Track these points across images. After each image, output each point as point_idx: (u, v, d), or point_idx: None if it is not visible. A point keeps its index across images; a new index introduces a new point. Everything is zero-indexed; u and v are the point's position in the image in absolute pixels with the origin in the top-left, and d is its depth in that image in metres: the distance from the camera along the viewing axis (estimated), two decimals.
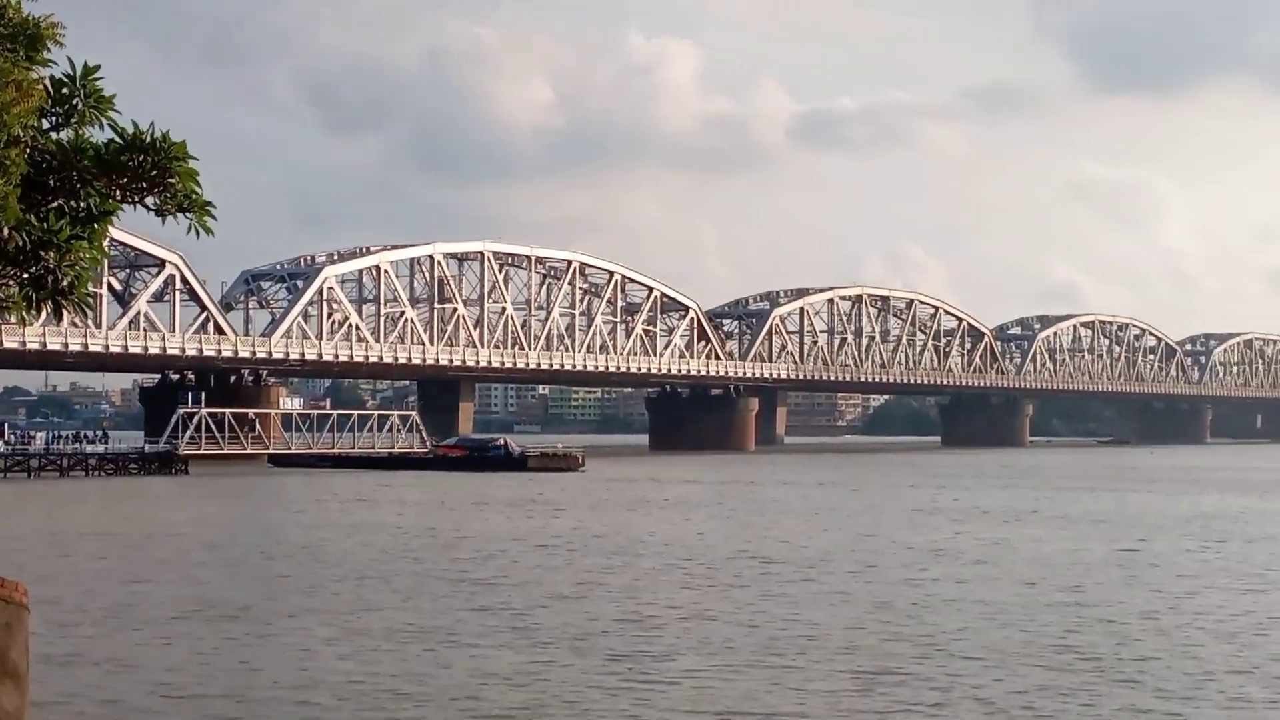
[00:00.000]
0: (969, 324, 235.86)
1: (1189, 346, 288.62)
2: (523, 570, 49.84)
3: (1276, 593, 44.54)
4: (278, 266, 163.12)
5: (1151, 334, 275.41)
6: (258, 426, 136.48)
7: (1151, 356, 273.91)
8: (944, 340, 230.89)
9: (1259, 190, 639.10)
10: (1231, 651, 33.30)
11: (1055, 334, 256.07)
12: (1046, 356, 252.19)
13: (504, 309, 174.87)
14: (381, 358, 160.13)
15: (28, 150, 16.26)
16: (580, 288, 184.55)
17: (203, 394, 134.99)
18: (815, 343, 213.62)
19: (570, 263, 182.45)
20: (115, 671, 31.33)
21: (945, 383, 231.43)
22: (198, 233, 16.86)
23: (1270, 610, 40.46)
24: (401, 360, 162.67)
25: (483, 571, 49.41)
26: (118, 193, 17.31)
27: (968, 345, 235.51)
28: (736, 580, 47.60)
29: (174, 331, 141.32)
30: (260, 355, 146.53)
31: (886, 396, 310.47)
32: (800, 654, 32.95)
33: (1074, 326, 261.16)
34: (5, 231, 16.42)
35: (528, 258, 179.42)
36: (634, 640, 34.98)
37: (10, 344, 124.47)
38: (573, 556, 54.98)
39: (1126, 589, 45.51)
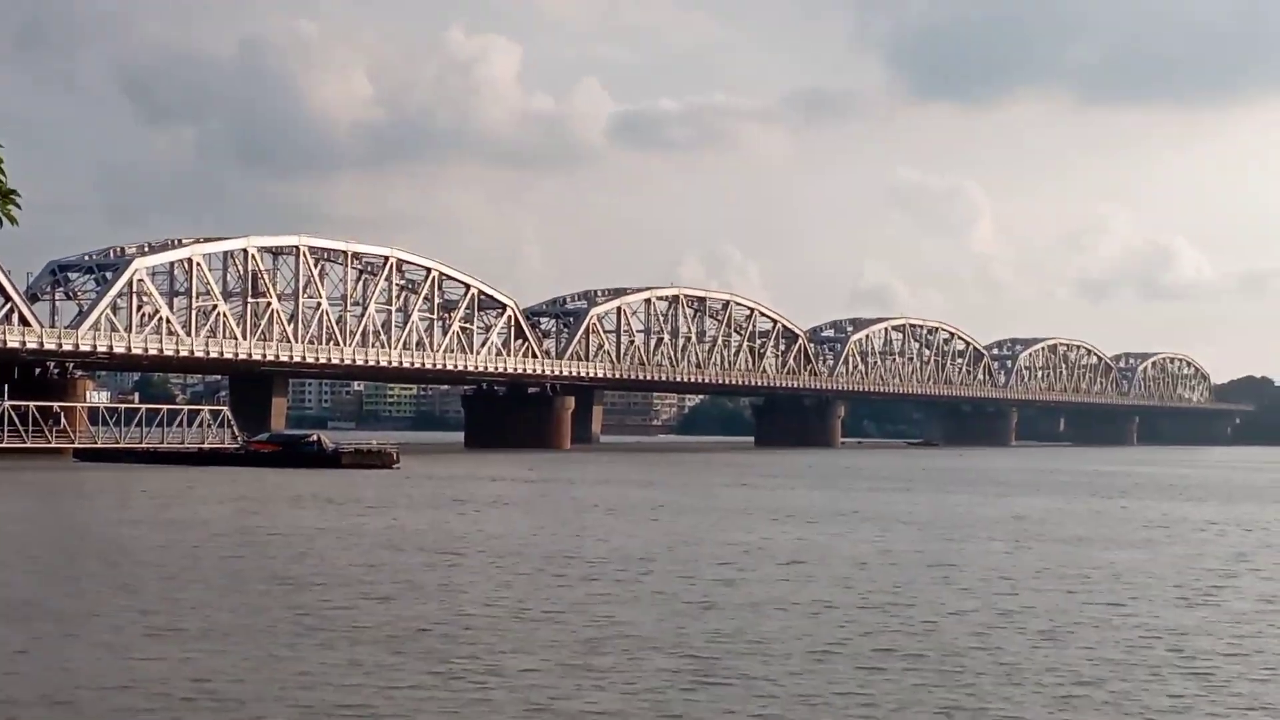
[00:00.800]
0: (784, 326, 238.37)
1: (996, 351, 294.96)
2: (339, 569, 49.32)
3: (1085, 592, 45.51)
4: (86, 257, 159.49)
5: (961, 338, 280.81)
6: (63, 420, 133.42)
7: (960, 360, 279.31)
8: (759, 341, 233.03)
9: (1067, 199, 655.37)
10: (1045, 649, 34.02)
11: (867, 336, 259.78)
12: (859, 359, 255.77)
13: (319, 304, 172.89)
14: (193, 352, 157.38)
15: None
16: (397, 284, 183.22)
17: (5, 386, 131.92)
18: (632, 342, 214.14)
19: (387, 258, 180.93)
20: None
21: (759, 383, 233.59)
22: (0, 221, 16.27)
23: (1080, 608, 41.38)
24: (213, 355, 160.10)
25: (298, 570, 48.76)
26: None
27: (782, 347, 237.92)
28: (557, 579, 47.51)
29: None
30: (67, 347, 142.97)
31: (701, 397, 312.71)
32: (624, 653, 32.97)
33: (886, 330, 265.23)
34: None
35: (344, 253, 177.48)
36: (455, 640, 34.74)
37: None
38: (390, 555, 54.53)
39: (941, 588, 46.25)
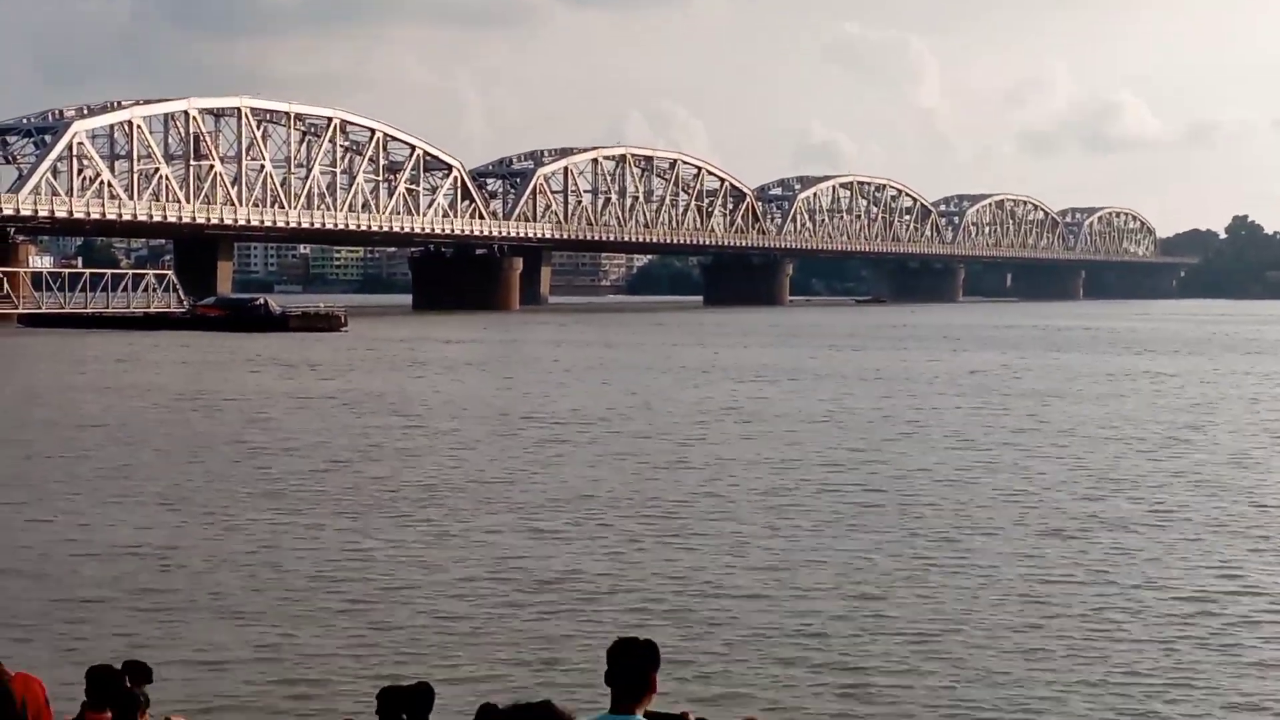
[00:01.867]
0: (731, 184, 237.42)
1: (943, 207, 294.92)
2: (295, 433, 48.94)
3: (1045, 446, 45.69)
4: (24, 121, 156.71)
5: (908, 195, 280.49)
6: (6, 286, 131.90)
7: (908, 217, 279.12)
8: (706, 201, 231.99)
9: (1011, 52, 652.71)
10: (1009, 503, 34.08)
11: (815, 195, 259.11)
12: (806, 217, 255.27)
13: (263, 166, 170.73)
14: (135, 215, 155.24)
15: None
16: (341, 145, 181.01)
17: None
18: (580, 202, 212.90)
19: (331, 120, 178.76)
20: None
21: (708, 243, 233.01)
22: None
23: (1041, 462, 41.51)
24: (157, 218, 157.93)
25: (254, 435, 48.35)
26: None
27: (730, 206, 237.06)
28: (516, 440, 47.34)
29: None
30: (7, 212, 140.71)
31: (650, 257, 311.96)
32: (586, 512, 32.88)
33: (833, 187, 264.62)
34: None
35: (287, 114, 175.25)
36: (416, 503, 34.53)
37: None
38: (347, 418, 54.22)
39: (904, 443, 46.35)
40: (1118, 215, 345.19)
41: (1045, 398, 64.50)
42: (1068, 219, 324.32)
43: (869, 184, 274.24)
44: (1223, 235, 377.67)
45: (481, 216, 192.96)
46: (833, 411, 57.26)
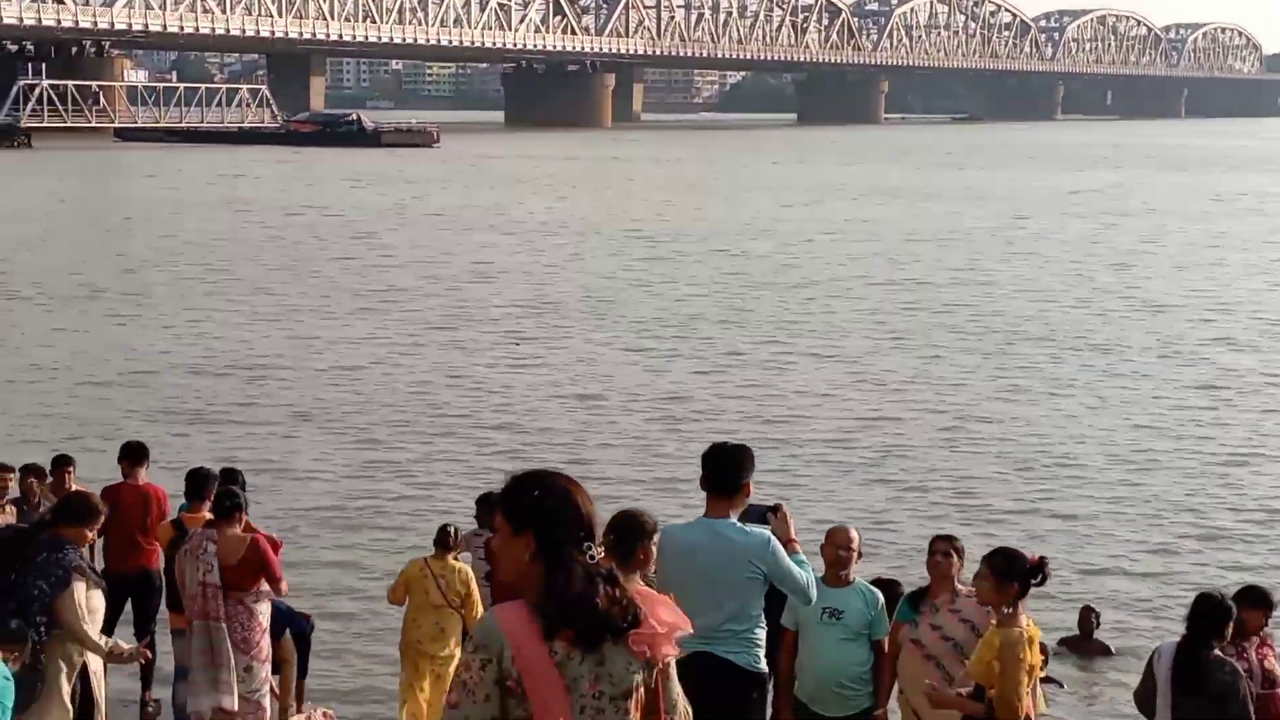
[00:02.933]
0: (826, 0, 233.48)
1: (1044, 22, 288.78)
2: (398, 250, 49.07)
3: (1159, 265, 45.18)
4: None
5: (1007, 9, 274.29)
6: (102, 99, 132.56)
7: (1006, 33, 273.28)
8: (801, 16, 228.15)
9: None
10: (1130, 320, 33.75)
11: (912, 10, 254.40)
12: (903, 33, 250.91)
13: None
14: (229, 29, 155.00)
15: None
16: None
17: (44, 66, 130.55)
18: (673, 18, 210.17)
19: None
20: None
21: (802, 59, 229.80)
22: None
23: (1160, 282, 41.05)
24: (250, 33, 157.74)
25: (357, 251, 48.48)
26: None
27: (825, 21, 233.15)
28: (621, 259, 47.30)
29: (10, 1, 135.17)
30: (103, 25, 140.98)
31: (743, 74, 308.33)
32: (688, 329, 32.92)
33: (931, 2, 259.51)
34: None
35: None
36: (523, 320, 34.64)
37: None
38: (447, 236, 54.25)
39: (1012, 262, 46.03)
40: (1223, 31, 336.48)
41: (1162, 215, 63.79)
42: (1171, 35, 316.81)
43: None
44: None
45: (574, 32, 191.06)
46: (942, 232, 56.76)
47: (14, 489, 12.79)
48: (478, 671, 4.29)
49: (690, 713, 4.71)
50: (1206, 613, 8.19)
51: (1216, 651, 8.17)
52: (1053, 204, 71.27)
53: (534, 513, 4.38)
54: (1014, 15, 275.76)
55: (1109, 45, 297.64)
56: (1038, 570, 7.78)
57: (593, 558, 4.34)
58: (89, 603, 8.38)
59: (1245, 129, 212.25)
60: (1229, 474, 20.81)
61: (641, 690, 4.42)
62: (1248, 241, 53.77)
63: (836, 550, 8.79)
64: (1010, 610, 7.64)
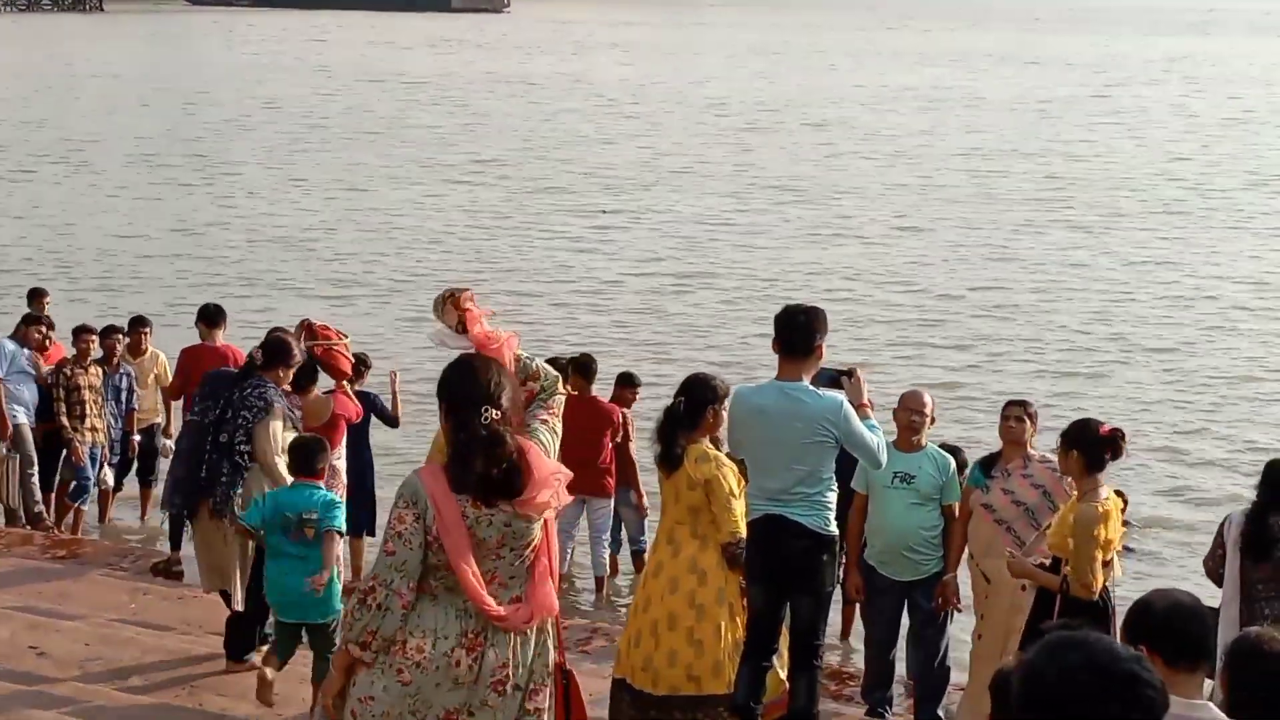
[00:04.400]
0: None
1: None
2: (481, 115, 48.88)
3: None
4: None
5: None
6: None
7: None
8: None
9: None
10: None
11: None
12: None
13: None
14: None
15: None
16: None
17: None
18: None
19: None
20: (32, 207, 30.81)
21: None
22: None
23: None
24: None
25: (436, 118, 48.15)
26: None
27: None
28: (707, 126, 47.12)
29: None
30: None
31: None
32: (769, 200, 32.97)
33: None
34: None
35: None
36: (610, 187, 34.74)
37: None
38: (530, 101, 53.93)
39: (1095, 130, 45.82)
40: None
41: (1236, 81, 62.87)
42: None
43: None
44: None
45: None
46: (1019, 96, 56.17)
47: (96, 349, 13.05)
48: (411, 523, 5.01)
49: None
50: (1276, 480, 8.19)
51: None
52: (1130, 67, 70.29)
53: (443, 385, 5.21)
54: None
55: None
56: (1109, 441, 7.66)
57: (486, 421, 4.98)
58: (282, 440, 8.73)
59: None
60: None
61: (539, 539, 5.15)
62: None
63: (909, 415, 8.83)
64: (1090, 484, 7.58)
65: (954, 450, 9.43)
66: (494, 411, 5.03)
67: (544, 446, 5.26)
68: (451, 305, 5.73)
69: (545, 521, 5.17)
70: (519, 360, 5.47)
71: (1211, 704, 4.65)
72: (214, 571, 8.90)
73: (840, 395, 7.31)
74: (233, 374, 9.37)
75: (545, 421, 5.42)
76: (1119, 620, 5.90)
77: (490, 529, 5.02)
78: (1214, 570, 8.45)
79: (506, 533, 5.05)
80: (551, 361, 11.81)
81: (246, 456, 8.67)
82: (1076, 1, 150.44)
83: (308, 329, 9.75)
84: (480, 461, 4.96)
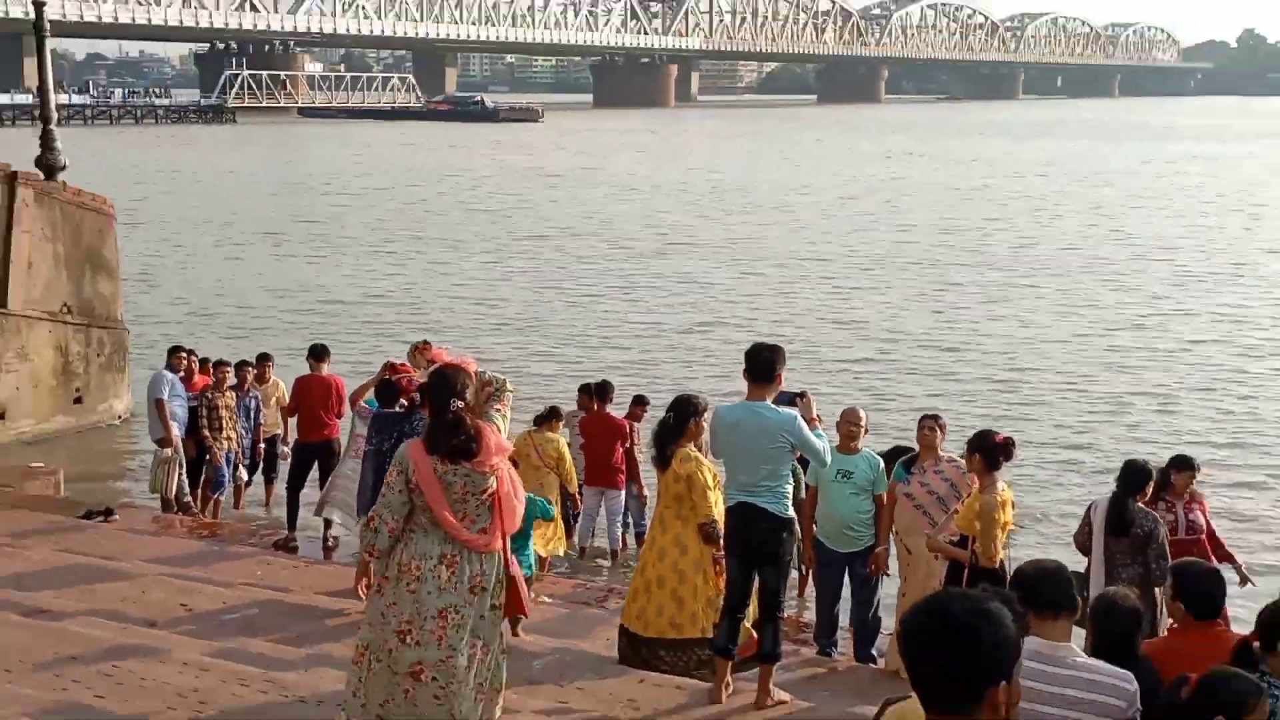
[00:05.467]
0: (840, 6, 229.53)
1: (1009, 22, 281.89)
2: (528, 201, 48.84)
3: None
4: None
5: (980, 14, 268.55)
6: (288, 85, 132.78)
7: (980, 31, 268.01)
8: (820, 18, 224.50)
9: None
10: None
11: (907, 14, 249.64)
12: (899, 31, 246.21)
13: None
14: (383, 31, 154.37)
15: None
16: None
17: (244, 60, 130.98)
18: (722, 20, 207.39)
19: None
20: (186, 269, 30.87)
21: (820, 53, 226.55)
22: None
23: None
24: (399, 33, 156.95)
25: (493, 204, 48.13)
26: None
27: (839, 22, 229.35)
28: (724, 206, 47.03)
29: (219, 11, 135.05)
30: (288, 29, 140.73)
31: (775, 64, 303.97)
32: (753, 261, 32.84)
33: (921, 8, 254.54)
34: None
35: None
36: (631, 256, 34.63)
37: (89, 17, 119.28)
38: (569, 190, 53.94)
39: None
40: (1149, 28, 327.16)
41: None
42: (1109, 31, 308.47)
43: (950, 4, 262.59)
44: (1234, 45, 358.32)
45: (646, 32, 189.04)
46: (966, 189, 56.10)
47: (231, 378, 13.07)
48: (396, 477, 5.65)
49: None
50: (1130, 475, 8.28)
51: (1140, 504, 8.23)
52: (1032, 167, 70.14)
53: (427, 385, 5.93)
54: (986, 17, 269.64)
55: (1060, 40, 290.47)
56: (1003, 447, 7.72)
57: (454, 411, 5.61)
58: None
59: (1167, 106, 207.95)
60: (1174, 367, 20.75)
61: (495, 488, 5.66)
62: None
63: (849, 426, 8.90)
64: (989, 480, 7.64)
65: (908, 450, 9.37)
66: (459, 402, 5.64)
67: (496, 426, 5.79)
68: (418, 353, 7.23)
69: (499, 477, 5.69)
70: (479, 374, 5.96)
71: (1074, 645, 4.66)
72: None
73: (795, 411, 7.31)
74: (399, 413, 9.35)
75: (499, 410, 5.91)
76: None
77: (455, 479, 5.57)
78: (1082, 544, 8.51)
79: (468, 483, 5.59)
80: (587, 388, 11.99)
81: None
82: (985, 114, 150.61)
83: (390, 368, 9.73)
84: (446, 434, 5.57)
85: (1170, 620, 6.09)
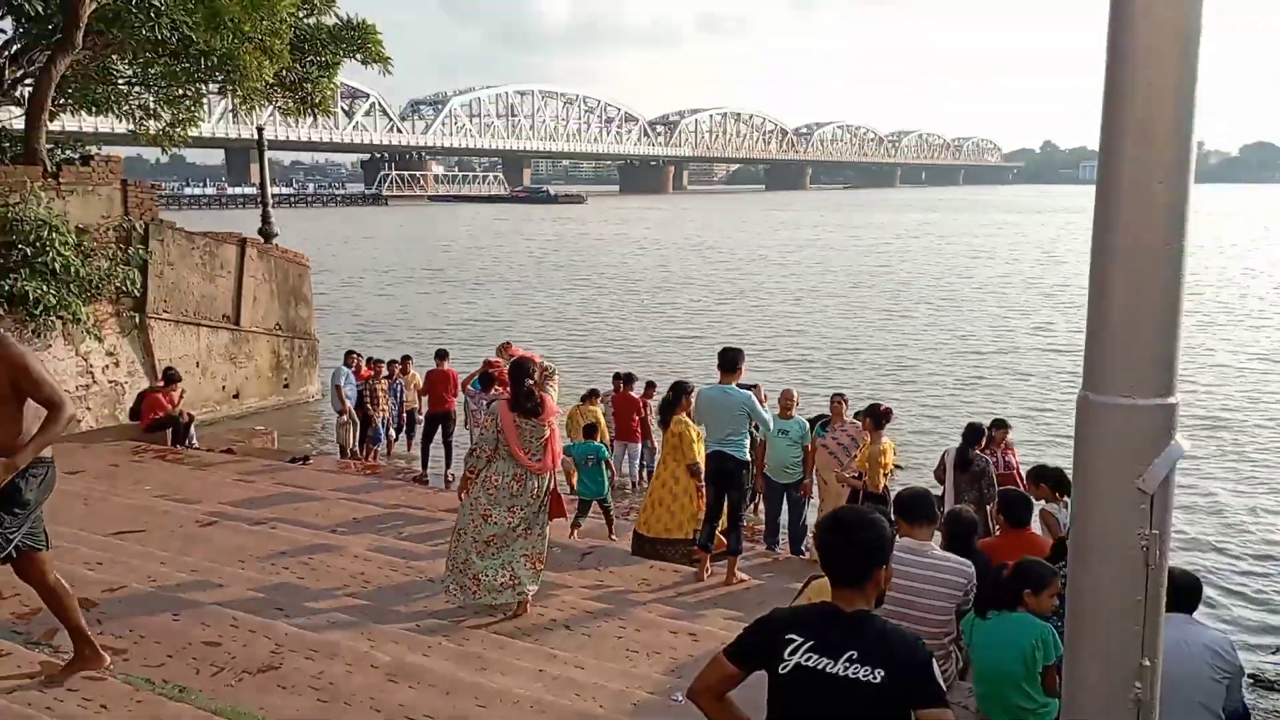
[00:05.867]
0: (779, 127, 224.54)
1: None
2: (585, 255, 47.56)
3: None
4: (429, 96, 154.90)
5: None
6: (422, 180, 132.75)
7: (871, 142, 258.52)
8: (767, 135, 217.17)
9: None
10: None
11: (824, 131, 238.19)
12: (820, 143, 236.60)
13: (544, 119, 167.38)
14: (482, 145, 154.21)
15: (292, 27, 14.89)
16: (583, 108, 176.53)
17: (393, 164, 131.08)
18: (703, 137, 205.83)
19: (579, 95, 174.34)
20: (355, 300, 30.65)
21: (767, 157, 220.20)
22: (385, 73, 16.01)
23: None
24: (492, 146, 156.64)
25: (567, 260, 47.12)
26: (341, 51, 16.07)
27: (780, 137, 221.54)
28: (708, 257, 45.79)
29: (376, 132, 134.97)
30: (421, 143, 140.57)
31: (737, 165, 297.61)
32: (749, 301, 32.20)
33: (833, 129, 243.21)
34: (284, 71, 15.23)
35: (555, 93, 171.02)
36: (660, 289, 34.03)
37: (293, 137, 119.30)
38: (605, 247, 53.11)
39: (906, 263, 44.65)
40: (982, 140, 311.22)
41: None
42: (955, 141, 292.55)
43: (852, 125, 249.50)
44: (1038, 150, 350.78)
45: (653, 145, 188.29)
46: (866, 245, 54.75)
47: (385, 370, 13.04)
48: (489, 424, 5.81)
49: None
50: (970, 431, 8.27)
51: (976, 451, 8.19)
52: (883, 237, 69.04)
53: (510, 369, 5.87)
54: (872, 132, 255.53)
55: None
56: (885, 414, 7.94)
57: (526, 386, 5.74)
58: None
59: (995, 190, 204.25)
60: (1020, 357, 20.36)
61: (549, 435, 5.78)
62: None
63: (786, 400, 8.86)
64: (876, 436, 7.73)
65: (824, 417, 9.20)
66: (529, 381, 5.77)
67: (551, 396, 5.85)
68: (504, 350, 7.41)
69: (552, 429, 5.81)
70: (540, 364, 5.97)
71: (933, 545, 4.65)
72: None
73: (750, 393, 7.29)
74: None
75: (551, 386, 5.94)
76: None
77: (525, 427, 5.74)
78: (939, 476, 8.46)
79: (533, 431, 5.76)
80: (618, 376, 11.89)
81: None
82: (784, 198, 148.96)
83: (488, 363, 9.41)
84: (522, 400, 5.73)
85: (996, 527, 6.10)
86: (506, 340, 9.95)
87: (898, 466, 8.89)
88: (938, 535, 5.03)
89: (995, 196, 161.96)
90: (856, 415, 8.77)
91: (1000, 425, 8.99)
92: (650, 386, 12.46)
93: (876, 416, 7.89)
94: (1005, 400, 17.22)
